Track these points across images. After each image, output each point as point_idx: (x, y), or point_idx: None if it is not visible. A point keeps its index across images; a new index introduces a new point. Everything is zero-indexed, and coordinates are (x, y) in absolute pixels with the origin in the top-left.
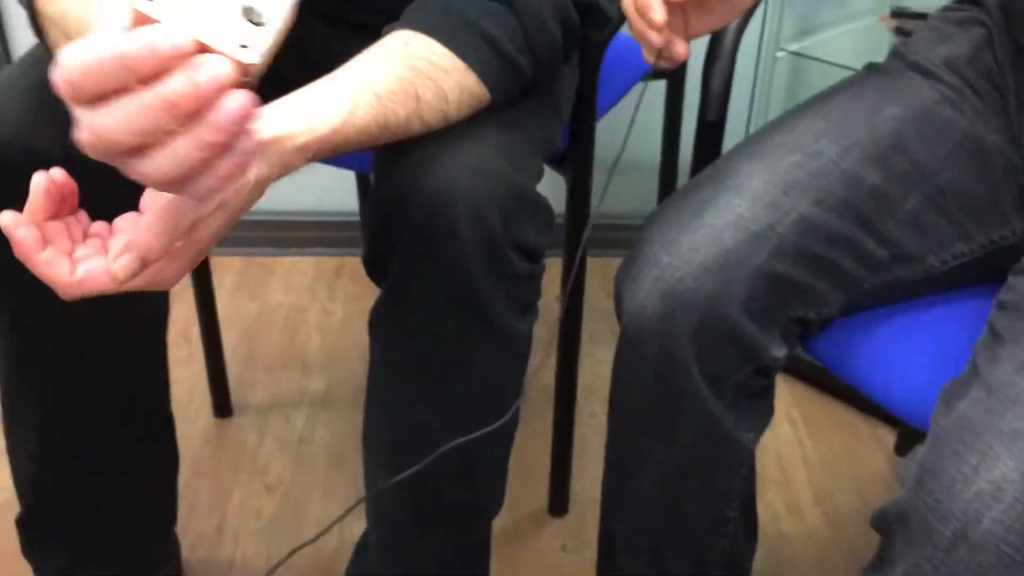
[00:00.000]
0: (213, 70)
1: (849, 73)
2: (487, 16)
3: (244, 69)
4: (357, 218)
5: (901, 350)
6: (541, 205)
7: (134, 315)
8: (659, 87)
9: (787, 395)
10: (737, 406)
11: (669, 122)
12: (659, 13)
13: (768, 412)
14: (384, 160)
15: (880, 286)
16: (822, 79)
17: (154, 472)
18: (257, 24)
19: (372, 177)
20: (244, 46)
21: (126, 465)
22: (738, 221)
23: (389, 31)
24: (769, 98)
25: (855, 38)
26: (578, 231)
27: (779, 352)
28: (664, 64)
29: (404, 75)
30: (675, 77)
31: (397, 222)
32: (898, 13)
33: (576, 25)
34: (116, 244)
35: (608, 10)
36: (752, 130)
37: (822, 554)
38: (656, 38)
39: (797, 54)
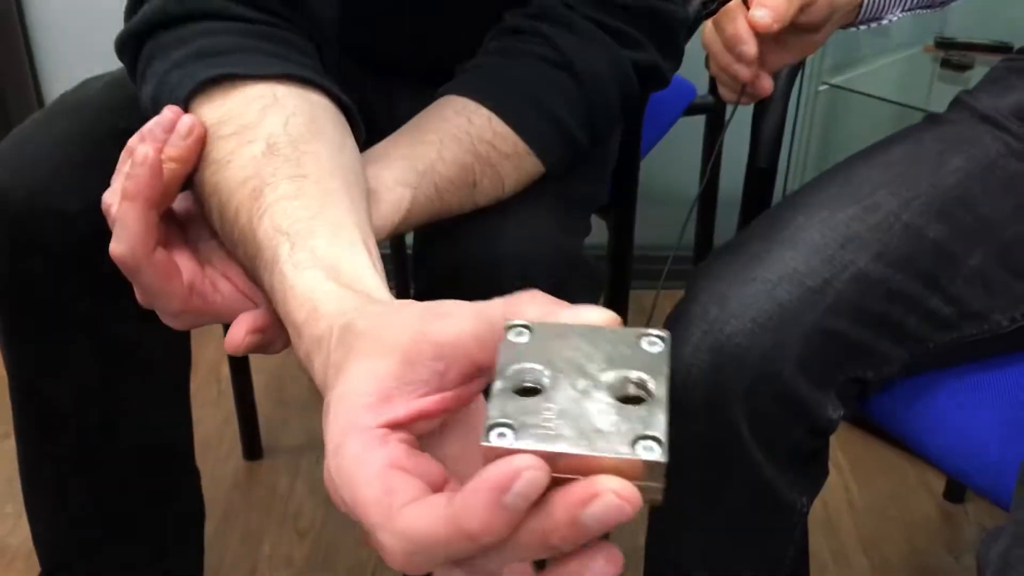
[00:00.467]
0: (605, 502)
1: (890, 106)
2: (554, 93)
3: (644, 471)
4: (387, 251)
5: (967, 415)
6: (591, 270)
7: (155, 373)
8: (698, 120)
9: (832, 439)
10: (789, 469)
11: (708, 155)
12: (752, 46)
13: (822, 474)
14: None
15: (945, 345)
16: (862, 111)
17: (179, 529)
18: (639, 400)
19: (412, 238)
20: (641, 438)
21: (149, 525)
22: (793, 276)
23: (448, 94)
24: (811, 131)
25: (898, 70)
26: (622, 276)
27: (835, 413)
28: (746, 101)
29: (466, 161)
30: (714, 110)
31: (444, 291)
32: (943, 43)
33: (636, 91)
34: None
35: (666, 72)
36: (791, 163)
37: None
38: (745, 72)
39: (839, 87)
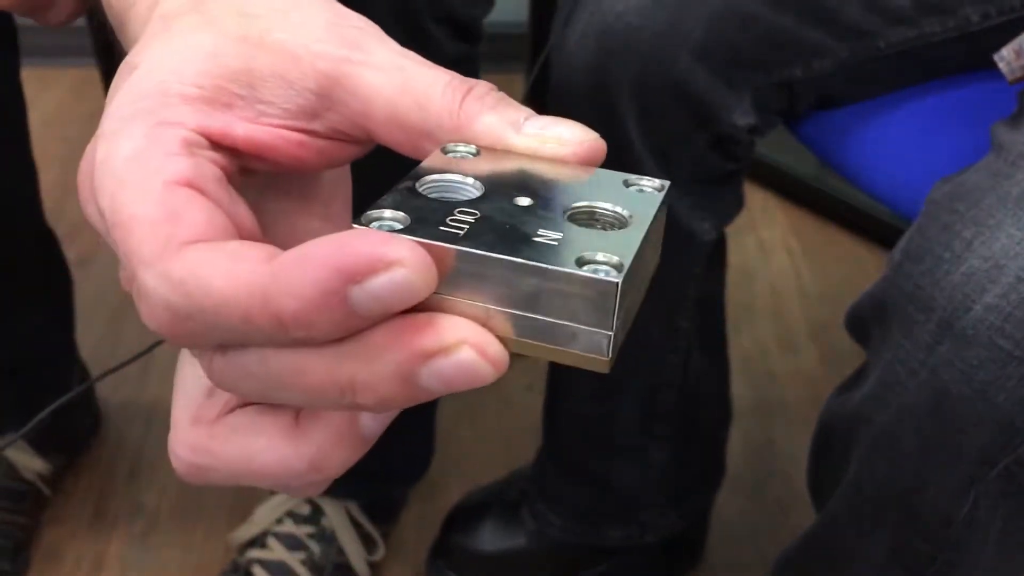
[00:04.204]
0: (458, 360)
1: None
2: None
3: (584, 306)
4: None
5: (910, 138)
6: None
7: None
8: None
9: (784, 222)
10: (692, 191)
11: None
12: None
13: (735, 203)
14: None
15: (899, 46)
16: None
17: (41, 301)
18: (612, 226)
19: None
20: (592, 262)
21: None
22: None
23: None
24: None
25: None
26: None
27: (743, 119)
28: None
29: None
30: None
31: None
32: None
33: None
34: None
35: None
36: None
37: (814, 394)
38: None
39: None
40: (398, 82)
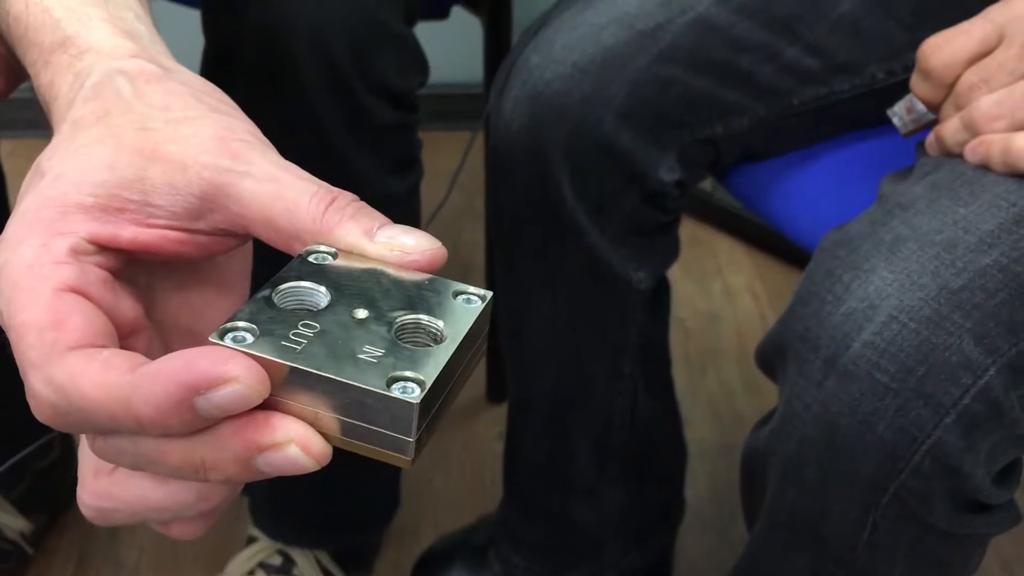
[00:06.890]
0: (285, 454)
1: None
2: None
3: (390, 415)
4: None
5: (825, 188)
6: (407, 40)
7: None
8: None
9: (750, 266)
10: (626, 242)
11: None
12: None
13: (670, 252)
14: None
15: (812, 103)
16: None
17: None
18: (423, 344)
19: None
20: (403, 379)
21: None
22: (623, 19)
23: None
24: None
25: None
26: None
27: (670, 175)
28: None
29: None
30: None
31: (229, 65)
32: None
33: None
34: None
35: None
36: None
37: None
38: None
39: None
40: (272, 191)
